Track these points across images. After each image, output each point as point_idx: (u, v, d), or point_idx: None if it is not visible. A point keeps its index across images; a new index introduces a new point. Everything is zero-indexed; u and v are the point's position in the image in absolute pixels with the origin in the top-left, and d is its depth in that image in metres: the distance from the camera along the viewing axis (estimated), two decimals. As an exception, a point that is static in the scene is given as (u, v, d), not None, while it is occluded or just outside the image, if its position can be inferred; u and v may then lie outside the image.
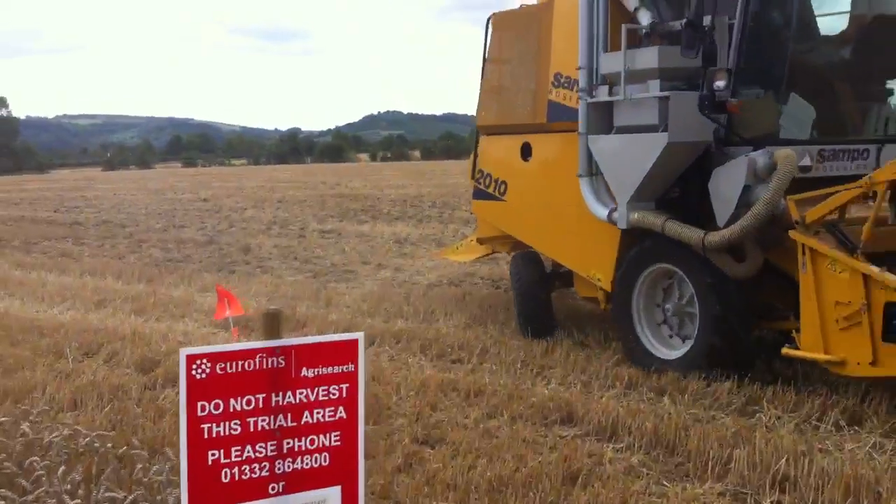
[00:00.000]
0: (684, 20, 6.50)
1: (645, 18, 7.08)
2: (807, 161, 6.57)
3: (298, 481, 2.97)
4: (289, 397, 2.93)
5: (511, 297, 9.08)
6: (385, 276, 12.66)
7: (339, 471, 3.04)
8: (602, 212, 7.39)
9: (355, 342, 2.94)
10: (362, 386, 2.95)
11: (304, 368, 2.93)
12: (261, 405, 2.88)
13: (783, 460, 4.84)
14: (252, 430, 2.87)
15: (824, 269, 5.78)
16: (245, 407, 2.85)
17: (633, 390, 6.58)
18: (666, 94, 6.72)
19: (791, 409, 5.96)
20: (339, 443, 3.02)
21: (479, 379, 6.90)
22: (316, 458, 3.00)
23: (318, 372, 2.94)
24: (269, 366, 2.87)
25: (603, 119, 7.43)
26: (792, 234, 5.97)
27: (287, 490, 2.96)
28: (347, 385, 2.91)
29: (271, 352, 2.86)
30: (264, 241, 17.68)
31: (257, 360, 2.85)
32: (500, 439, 5.53)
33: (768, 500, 4.56)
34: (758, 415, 5.91)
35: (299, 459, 2.97)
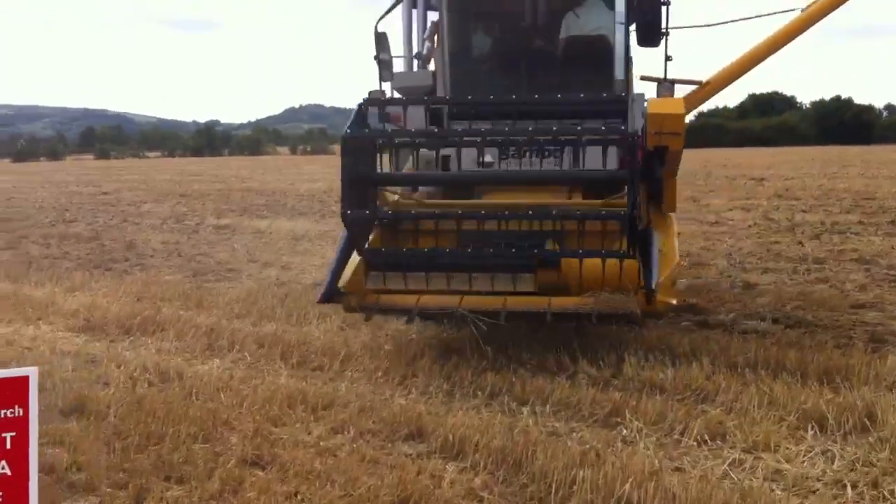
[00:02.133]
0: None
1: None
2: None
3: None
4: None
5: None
6: (269, 276, 12.07)
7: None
8: None
9: (25, 379, 2.36)
10: (35, 434, 2.40)
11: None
12: None
13: (628, 483, 4.49)
14: None
15: None
16: None
17: (495, 400, 6.19)
18: None
19: (654, 421, 5.64)
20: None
21: (334, 389, 6.44)
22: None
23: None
24: None
25: None
26: None
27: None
28: (14, 434, 2.34)
29: None
30: (152, 237, 16.89)
31: None
32: (339, 458, 5.07)
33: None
34: (619, 427, 5.59)
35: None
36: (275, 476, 4.81)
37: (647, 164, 6.94)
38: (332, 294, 7.18)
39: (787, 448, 5.20)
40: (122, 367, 7.19)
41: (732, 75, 10.05)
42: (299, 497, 4.50)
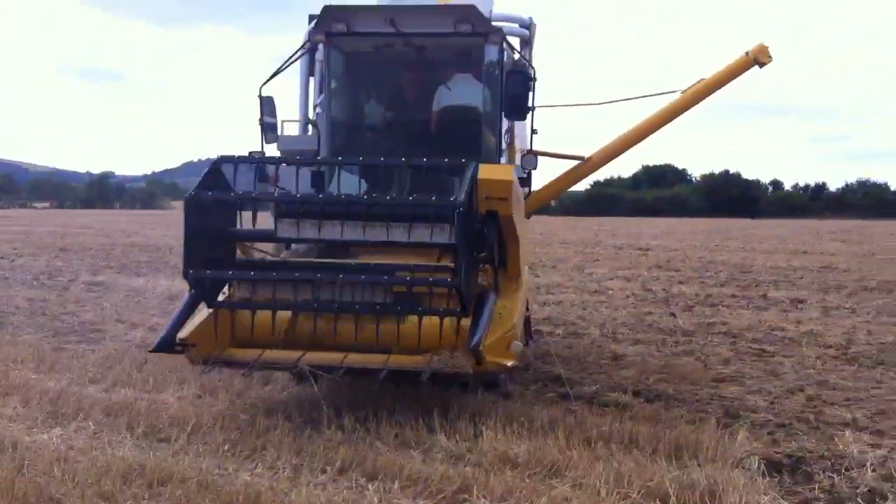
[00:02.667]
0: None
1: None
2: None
3: None
4: None
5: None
6: (134, 337, 11.62)
7: None
8: None
9: None
10: None
11: None
12: None
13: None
14: None
15: None
16: None
17: (344, 475, 6.01)
18: None
19: (501, 498, 5.57)
20: None
21: (177, 462, 6.14)
22: None
23: None
24: None
25: None
26: None
27: None
28: None
29: None
30: (19, 293, 16.14)
31: None
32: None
33: None
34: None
35: None
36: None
37: (482, 230, 7.14)
38: (166, 343, 7.13)
39: (630, 527, 5.19)
40: (-48, 435, 6.75)
41: (615, 151, 10.70)
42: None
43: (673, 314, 14.42)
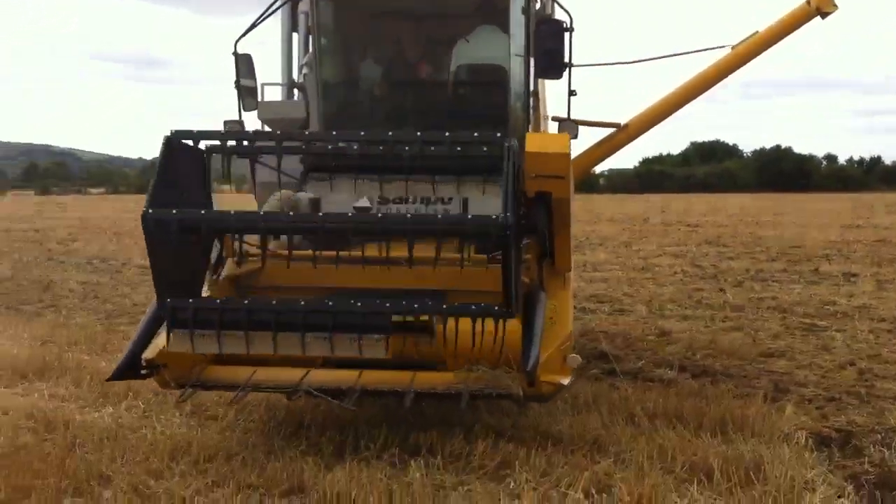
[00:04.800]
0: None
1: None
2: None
3: None
4: None
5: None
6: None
7: None
8: None
9: None
10: None
11: None
12: None
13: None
14: None
15: None
16: None
17: (386, 452, 6.02)
18: None
19: (543, 473, 5.56)
20: None
21: (224, 440, 6.26)
22: None
23: None
24: None
25: None
26: None
27: None
28: None
29: None
30: (73, 277, 16.50)
31: None
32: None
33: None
34: (507, 480, 5.50)
35: None
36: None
37: (530, 215, 5.80)
38: (127, 369, 5.63)
39: (673, 501, 5.15)
40: (8, 414, 6.93)
41: (656, 117, 9.38)
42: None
43: (722, 289, 14.24)
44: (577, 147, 9.02)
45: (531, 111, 7.85)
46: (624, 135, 9.23)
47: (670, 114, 9.40)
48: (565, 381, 5.75)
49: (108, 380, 5.80)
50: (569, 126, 7.69)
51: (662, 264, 18.26)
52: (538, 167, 5.46)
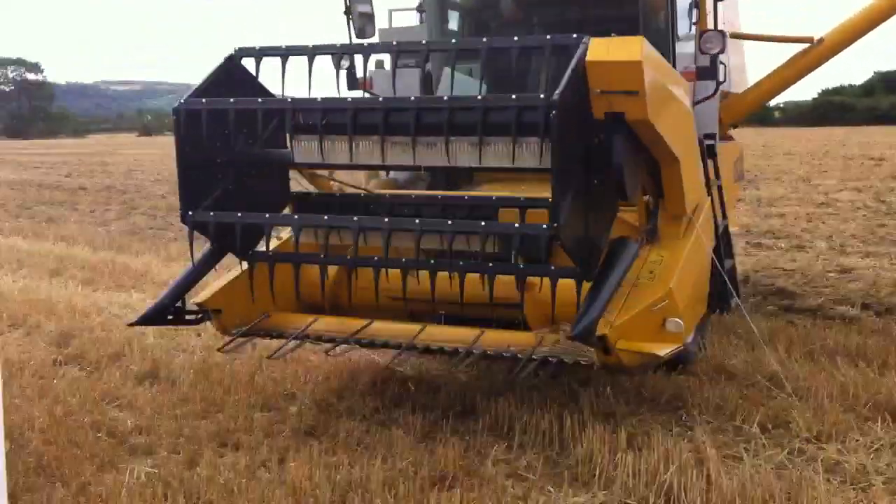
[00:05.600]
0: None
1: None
2: None
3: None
4: None
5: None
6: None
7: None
8: None
9: None
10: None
11: None
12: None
13: (671, 469, 4.38)
14: None
15: None
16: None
17: (557, 380, 6.11)
18: None
19: (716, 407, 5.48)
20: None
21: (399, 363, 6.48)
22: None
23: None
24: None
25: None
26: None
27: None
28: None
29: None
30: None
31: None
32: (390, 432, 5.12)
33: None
34: (679, 412, 5.46)
35: None
36: (325, 446, 4.91)
37: (606, 145, 4.43)
38: (155, 314, 5.31)
39: (854, 439, 4.99)
40: (200, 336, 7.43)
41: (859, 29, 7.81)
42: (341, 468, 4.57)
43: (909, 225, 13.43)
44: (762, 67, 8.10)
45: (692, 24, 6.67)
46: (818, 52, 7.79)
47: (877, 24, 7.80)
48: (661, 350, 4.72)
49: (130, 324, 5.56)
50: (712, 36, 6.29)
51: (843, 199, 17.33)
52: (602, 81, 4.26)
